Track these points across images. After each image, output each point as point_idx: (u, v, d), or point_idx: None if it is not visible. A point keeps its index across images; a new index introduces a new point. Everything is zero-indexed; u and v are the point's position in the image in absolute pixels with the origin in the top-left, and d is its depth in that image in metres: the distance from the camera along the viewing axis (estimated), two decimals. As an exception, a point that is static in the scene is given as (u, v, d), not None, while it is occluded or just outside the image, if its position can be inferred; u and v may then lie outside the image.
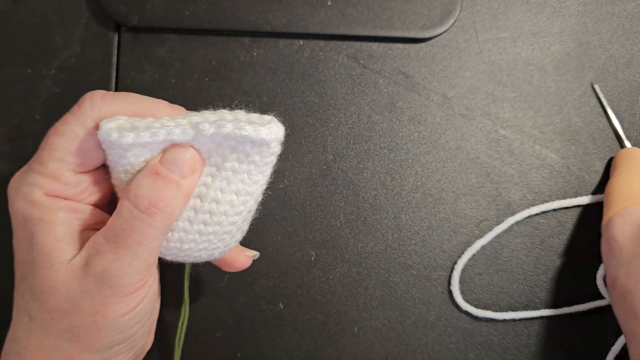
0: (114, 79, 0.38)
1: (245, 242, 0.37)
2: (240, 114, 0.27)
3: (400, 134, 0.39)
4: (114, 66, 0.39)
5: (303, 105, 0.39)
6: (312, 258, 0.38)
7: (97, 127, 0.26)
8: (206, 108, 0.38)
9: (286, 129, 0.38)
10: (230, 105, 0.38)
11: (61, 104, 0.38)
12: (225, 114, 0.27)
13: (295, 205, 0.38)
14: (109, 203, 0.30)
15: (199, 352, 0.37)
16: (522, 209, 0.38)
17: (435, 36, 0.39)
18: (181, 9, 0.38)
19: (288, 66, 0.39)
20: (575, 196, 0.38)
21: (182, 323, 0.34)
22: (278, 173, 0.38)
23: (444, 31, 0.39)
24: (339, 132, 0.38)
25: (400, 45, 0.39)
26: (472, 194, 0.38)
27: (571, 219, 0.38)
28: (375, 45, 0.39)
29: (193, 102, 0.38)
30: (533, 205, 0.38)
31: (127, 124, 0.26)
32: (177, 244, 0.29)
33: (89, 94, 0.27)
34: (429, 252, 0.38)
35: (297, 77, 0.39)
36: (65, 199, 0.27)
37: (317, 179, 0.38)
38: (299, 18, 0.38)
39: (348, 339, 0.37)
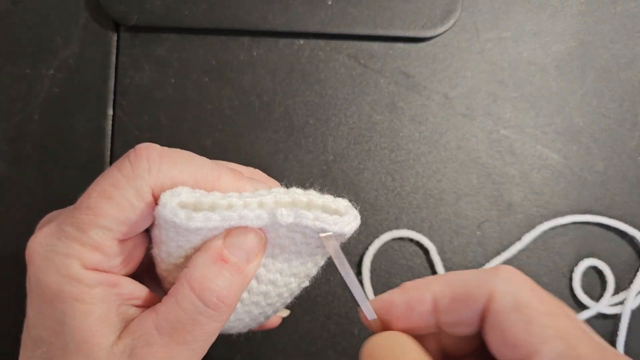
0: (113, 79, 0.38)
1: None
2: (314, 195, 0.24)
3: (401, 134, 0.38)
4: (113, 66, 0.38)
5: (303, 105, 0.38)
6: (313, 259, 0.38)
7: (153, 195, 0.23)
8: (206, 108, 0.38)
9: (286, 129, 0.38)
10: (230, 105, 0.38)
11: (60, 103, 0.38)
12: (298, 195, 0.24)
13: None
14: (141, 272, 0.27)
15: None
16: (524, 210, 0.38)
17: (436, 36, 0.39)
18: (181, 9, 0.38)
19: (288, 66, 0.39)
20: (576, 196, 0.38)
21: None
22: (278, 173, 0.38)
23: (445, 31, 0.38)
24: (340, 132, 0.38)
25: (401, 45, 0.39)
26: (474, 194, 0.38)
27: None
28: (376, 45, 0.39)
29: (192, 101, 0.38)
30: (534, 205, 0.38)
31: (190, 199, 0.23)
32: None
33: (143, 151, 0.23)
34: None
35: (297, 77, 0.39)
36: (104, 271, 0.24)
37: (317, 179, 0.38)
38: (299, 18, 0.38)
39: (348, 341, 0.37)
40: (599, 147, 0.38)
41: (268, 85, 0.38)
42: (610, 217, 0.38)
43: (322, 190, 0.38)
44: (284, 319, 0.37)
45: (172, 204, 0.22)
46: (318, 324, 0.37)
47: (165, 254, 0.25)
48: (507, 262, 0.37)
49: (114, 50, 0.38)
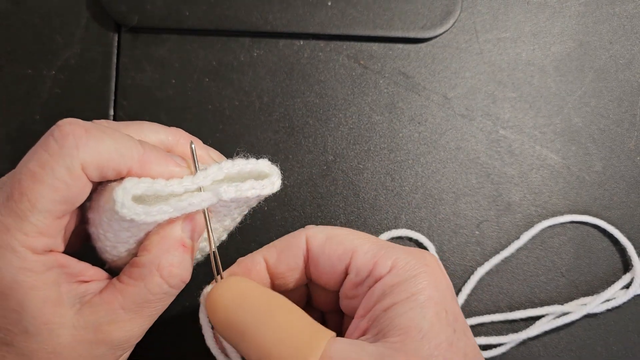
0: (114, 79, 0.38)
1: (246, 243, 0.37)
2: (242, 164, 0.27)
3: (401, 135, 0.39)
4: (114, 66, 0.39)
5: (303, 105, 0.39)
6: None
7: (83, 170, 0.24)
8: (206, 108, 0.38)
9: (286, 129, 0.38)
10: (231, 105, 0.38)
11: (62, 104, 0.38)
12: (229, 168, 0.27)
13: (295, 206, 0.38)
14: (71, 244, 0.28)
15: (199, 352, 0.37)
16: (523, 210, 0.38)
17: (436, 36, 0.39)
18: (181, 9, 0.38)
19: (288, 66, 0.39)
20: (575, 196, 0.38)
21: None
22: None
23: (445, 31, 0.39)
24: (339, 132, 0.38)
25: (400, 46, 0.39)
26: (473, 194, 0.38)
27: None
28: (375, 46, 0.39)
29: (193, 102, 0.38)
30: (533, 205, 0.38)
31: (139, 191, 0.24)
32: None
33: (67, 127, 0.23)
34: (429, 252, 0.38)
35: (297, 77, 0.39)
36: (51, 251, 0.25)
37: (317, 179, 0.38)
38: (299, 18, 0.38)
39: (348, 339, 0.37)
40: (598, 147, 0.39)
41: (268, 85, 0.39)
42: (609, 217, 0.38)
43: (322, 190, 0.38)
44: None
45: (129, 202, 0.24)
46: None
47: (114, 238, 0.26)
48: (506, 260, 0.38)
49: (115, 51, 0.39)
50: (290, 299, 0.26)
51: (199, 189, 0.26)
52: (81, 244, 0.28)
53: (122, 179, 0.25)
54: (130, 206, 0.24)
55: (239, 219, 0.31)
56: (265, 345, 0.24)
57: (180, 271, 0.26)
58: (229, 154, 0.38)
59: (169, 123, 0.38)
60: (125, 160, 0.25)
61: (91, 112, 0.38)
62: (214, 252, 0.27)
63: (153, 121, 0.38)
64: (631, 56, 0.39)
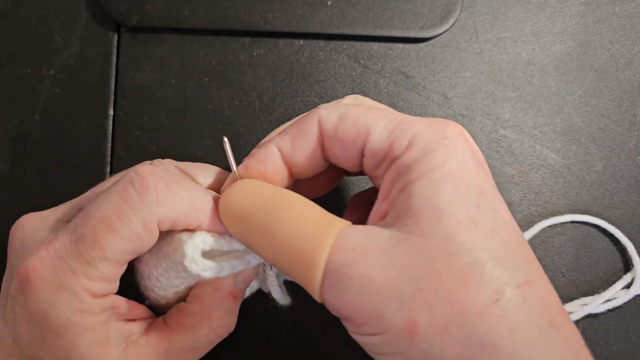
0: (113, 79, 0.38)
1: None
2: None
3: (401, 134, 0.38)
4: (114, 66, 0.39)
5: (303, 105, 0.39)
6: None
7: (158, 223, 0.23)
8: (206, 108, 0.38)
9: (286, 129, 0.38)
10: (231, 105, 0.38)
11: (61, 104, 0.38)
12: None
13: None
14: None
15: None
16: (523, 210, 0.38)
17: (436, 36, 0.39)
18: (181, 9, 0.38)
19: (288, 66, 0.39)
20: (575, 195, 0.38)
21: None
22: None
23: (445, 31, 0.38)
24: (339, 132, 0.38)
25: (400, 45, 0.39)
26: (473, 194, 0.38)
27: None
28: (375, 45, 0.39)
29: (193, 102, 0.38)
30: (533, 205, 0.38)
31: (209, 245, 0.25)
32: None
33: (149, 180, 0.23)
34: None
35: (297, 77, 0.39)
36: (108, 294, 0.25)
37: (317, 179, 0.38)
38: (299, 18, 0.38)
39: (349, 340, 0.37)
40: (598, 147, 0.39)
41: (268, 85, 0.39)
42: (609, 216, 0.38)
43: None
44: (283, 317, 0.37)
45: (199, 258, 0.24)
46: (318, 323, 0.37)
47: (166, 283, 0.26)
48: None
49: (115, 51, 0.39)
50: (316, 186, 0.26)
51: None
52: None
53: (190, 230, 0.25)
54: (199, 262, 0.24)
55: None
56: (277, 242, 0.23)
57: (228, 322, 0.26)
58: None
59: (168, 123, 0.38)
60: (197, 215, 0.25)
61: (91, 111, 0.38)
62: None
63: (153, 121, 0.38)
64: (631, 56, 0.39)
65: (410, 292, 0.20)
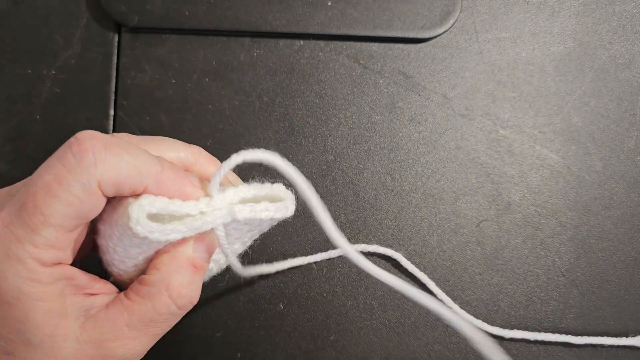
0: (114, 79, 0.38)
1: (246, 242, 0.37)
2: (257, 188, 0.27)
3: (401, 134, 0.39)
4: (114, 66, 0.39)
5: (303, 105, 0.39)
6: (312, 258, 0.38)
7: (99, 187, 0.23)
8: (206, 108, 0.38)
9: (286, 129, 0.38)
10: (231, 105, 0.38)
11: (62, 104, 0.38)
12: (244, 192, 0.27)
13: (295, 205, 0.38)
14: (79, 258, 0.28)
15: (199, 352, 0.37)
16: (523, 209, 0.38)
17: (436, 36, 0.39)
18: (181, 9, 0.38)
19: (288, 66, 0.39)
20: (576, 196, 0.38)
21: None
22: (279, 173, 0.38)
23: (444, 31, 0.39)
24: (339, 132, 0.38)
25: (400, 46, 0.39)
26: (472, 194, 0.38)
27: (571, 219, 0.38)
28: (375, 46, 0.39)
29: (193, 101, 0.38)
30: (533, 205, 0.38)
31: (155, 210, 0.24)
32: None
33: (87, 142, 0.23)
34: (429, 252, 0.38)
35: (297, 77, 0.39)
36: (59, 264, 0.25)
37: (317, 179, 0.38)
38: (299, 18, 0.38)
39: (348, 339, 0.37)
40: (598, 147, 0.39)
41: (268, 85, 0.39)
42: (609, 216, 0.38)
43: (322, 190, 0.38)
44: (283, 317, 0.37)
45: (144, 219, 0.23)
46: (318, 322, 0.37)
47: (123, 253, 0.26)
48: (505, 260, 0.38)
49: (115, 51, 0.39)
50: None
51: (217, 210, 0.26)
52: (87, 253, 0.28)
53: (137, 195, 0.25)
54: (145, 224, 0.23)
55: (249, 243, 0.30)
56: None
57: (189, 292, 0.26)
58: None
59: (169, 123, 0.38)
60: (143, 178, 0.24)
61: (91, 112, 0.38)
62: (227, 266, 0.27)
63: (153, 121, 0.38)
64: (631, 56, 0.39)
65: None
